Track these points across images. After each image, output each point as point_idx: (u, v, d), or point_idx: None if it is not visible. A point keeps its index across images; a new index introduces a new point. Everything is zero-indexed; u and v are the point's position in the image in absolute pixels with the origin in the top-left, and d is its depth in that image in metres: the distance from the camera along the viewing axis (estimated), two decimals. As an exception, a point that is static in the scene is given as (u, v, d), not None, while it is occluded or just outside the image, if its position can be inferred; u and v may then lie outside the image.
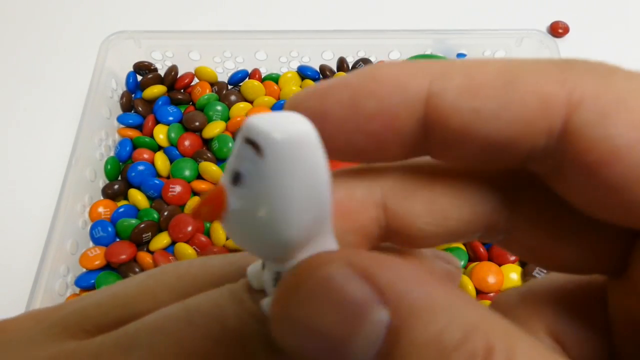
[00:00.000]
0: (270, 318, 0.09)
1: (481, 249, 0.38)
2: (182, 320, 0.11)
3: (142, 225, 0.38)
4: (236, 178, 0.09)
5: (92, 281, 0.36)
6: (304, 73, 0.47)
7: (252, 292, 0.11)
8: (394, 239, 0.12)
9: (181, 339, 0.11)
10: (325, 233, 0.10)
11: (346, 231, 0.11)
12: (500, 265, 0.37)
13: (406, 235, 0.11)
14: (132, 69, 0.47)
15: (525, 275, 0.37)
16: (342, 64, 0.47)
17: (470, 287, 0.36)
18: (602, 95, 0.09)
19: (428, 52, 0.46)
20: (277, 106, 0.45)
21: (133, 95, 0.47)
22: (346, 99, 0.10)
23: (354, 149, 0.11)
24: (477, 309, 0.09)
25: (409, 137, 0.10)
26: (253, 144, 0.09)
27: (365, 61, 0.46)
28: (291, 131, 0.09)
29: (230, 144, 0.42)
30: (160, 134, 0.44)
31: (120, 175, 0.43)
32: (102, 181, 0.42)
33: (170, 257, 0.37)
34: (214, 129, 0.43)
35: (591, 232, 0.11)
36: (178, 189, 0.40)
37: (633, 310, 0.11)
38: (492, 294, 0.36)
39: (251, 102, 0.46)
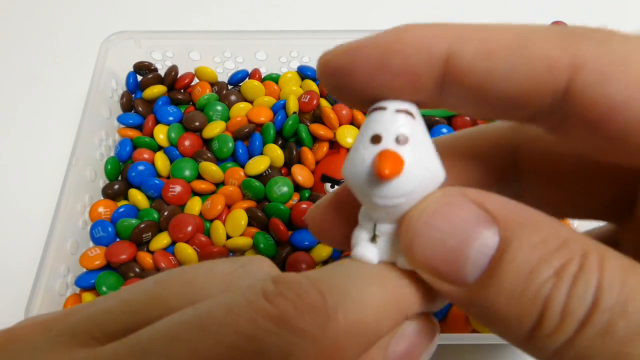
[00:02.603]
0: (401, 232, 0.12)
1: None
2: (195, 326, 0.11)
3: (142, 225, 0.38)
4: (400, 140, 0.12)
5: (92, 281, 0.36)
6: (304, 73, 0.47)
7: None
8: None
9: (195, 346, 0.11)
10: None
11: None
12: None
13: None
14: (132, 69, 0.47)
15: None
16: (342, 64, 0.47)
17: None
18: (601, 58, 0.11)
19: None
20: (277, 106, 0.44)
21: (133, 95, 0.47)
22: (375, 57, 0.12)
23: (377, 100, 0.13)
24: (572, 229, 0.11)
25: (428, 93, 0.12)
26: (407, 112, 0.12)
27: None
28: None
29: (230, 144, 0.42)
30: (160, 134, 0.44)
31: (120, 175, 0.43)
32: (102, 181, 0.42)
33: (170, 257, 0.37)
34: (214, 129, 0.43)
35: (598, 179, 0.13)
36: (178, 189, 0.40)
37: None
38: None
39: (251, 102, 0.46)
